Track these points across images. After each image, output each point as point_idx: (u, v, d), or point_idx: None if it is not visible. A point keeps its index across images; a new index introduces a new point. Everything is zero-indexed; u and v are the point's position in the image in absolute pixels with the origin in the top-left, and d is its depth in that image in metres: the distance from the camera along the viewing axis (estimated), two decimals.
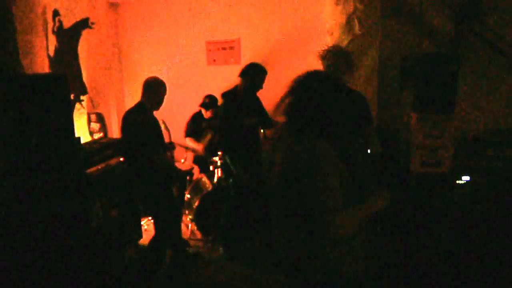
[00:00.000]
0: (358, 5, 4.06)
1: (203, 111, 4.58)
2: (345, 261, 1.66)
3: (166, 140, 3.62)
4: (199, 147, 4.48)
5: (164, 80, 3.42)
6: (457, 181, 3.49)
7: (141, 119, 3.21)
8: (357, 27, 4.11)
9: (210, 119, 4.60)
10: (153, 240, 3.39)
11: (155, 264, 3.39)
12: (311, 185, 1.54)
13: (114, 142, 3.96)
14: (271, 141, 1.85)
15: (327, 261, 1.64)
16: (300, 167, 1.58)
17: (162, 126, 3.66)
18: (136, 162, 3.28)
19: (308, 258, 1.66)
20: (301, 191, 1.57)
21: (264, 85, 3.70)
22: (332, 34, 4.27)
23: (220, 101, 3.97)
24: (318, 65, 3.38)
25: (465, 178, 3.50)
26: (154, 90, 3.30)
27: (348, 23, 4.15)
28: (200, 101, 4.56)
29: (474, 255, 3.20)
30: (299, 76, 1.75)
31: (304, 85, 1.71)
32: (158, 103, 3.35)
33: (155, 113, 3.39)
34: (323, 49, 3.25)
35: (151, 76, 3.40)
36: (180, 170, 4.56)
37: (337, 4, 4.16)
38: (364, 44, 4.11)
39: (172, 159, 3.72)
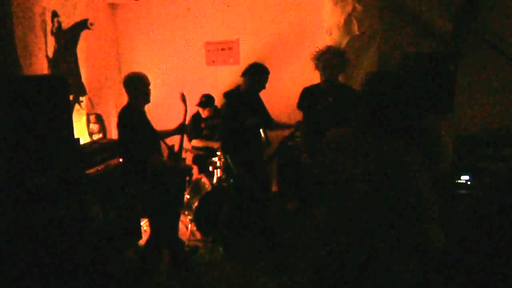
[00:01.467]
0: (357, 5, 4.06)
1: (200, 110, 4.60)
2: (416, 272, 1.66)
3: (181, 119, 3.50)
4: (209, 145, 4.49)
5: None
6: (457, 181, 3.49)
7: (131, 121, 3.14)
8: (356, 27, 4.11)
9: (208, 117, 4.61)
10: (148, 240, 3.39)
11: (151, 264, 3.38)
12: (414, 191, 1.52)
13: (114, 143, 3.97)
14: (320, 146, 1.80)
15: (407, 271, 1.62)
16: (402, 172, 1.55)
17: (180, 100, 3.51)
18: (132, 161, 3.26)
19: (389, 265, 1.62)
20: (399, 197, 1.54)
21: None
22: (331, 34, 4.28)
23: (220, 100, 3.97)
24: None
25: (465, 177, 3.50)
26: (135, 86, 3.18)
27: (347, 23, 4.15)
28: (197, 100, 4.57)
29: (474, 254, 3.20)
30: (374, 78, 1.72)
31: (385, 87, 1.66)
32: (145, 97, 3.25)
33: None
34: (317, 51, 3.26)
35: (128, 73, 3.27)
36: (178, 170, 4.55)
37: (336, 4, 4.16)
38: (363, 43, 4.11)
39: (180, 148, 3.54)
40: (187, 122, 4.68)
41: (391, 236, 1.60)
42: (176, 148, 3.45)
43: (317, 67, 3.26)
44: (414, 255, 1.61)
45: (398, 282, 1.63)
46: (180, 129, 3.52)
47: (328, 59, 3.17)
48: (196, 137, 4.63)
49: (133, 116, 3.16)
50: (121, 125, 3.20)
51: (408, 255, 1.61)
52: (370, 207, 1.64)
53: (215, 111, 4.61)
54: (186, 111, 3.55)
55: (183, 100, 3.53)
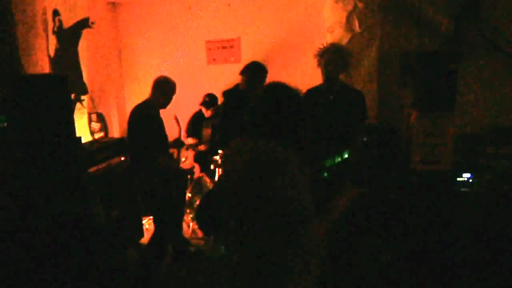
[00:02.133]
0: (358, 3, 4.06)
1: (203, 110, 4.59)
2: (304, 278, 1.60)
3: (176, 135, 3.66)
4: (200, 146, 4.50)
5: (175, 85, 3.49)
6: (457, 179, 3.49)
7: (148, 116, 3.25)
8: (357, 25, 4.11)
9: (211, 117, 4.61)
10: (152, 239, 3.40)
11: (155, 262, 3.40)
12: (280, 191, 1.52)
13: (115, 141, 3.97)
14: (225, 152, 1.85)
15: (289, 274, 1.58)
16: (268, 172, 1.55)
17: (174, 121, 3.71)
18: (139, 159, 3.30)
19: (268, 269, 1.59)
20: (268, 198, 1.53)
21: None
22: (332, 32, 4.27)
23: (221, 99, 3.97)
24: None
25: (466, 175, 3.50)
26: (164, 89, 3.39)
27: (348, 21, 4.14)
28: (200, 100, 4.57)
29: (474, 253, 3.20)
30: (264, 87, 1.82)
31: (268, 94, 1.76)
32: (166, 102, 3.43)
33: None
34: (320, 47, 3.26)
35: (162, 76, 3.49)
36: (180, 169, 4.59)
37: (337, 2, 4.16)
38: (364, 42, 4.11)
39: (178, 158, 3.74)
40: (187, 121, 4.72)
41: (265, 238, 1.59)
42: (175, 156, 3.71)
43: (319, 64, 3.26)
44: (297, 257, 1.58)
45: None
46: (175, 144, 3.73)
47: (331, 56, 3.17)
48: (192, 136, 4.63)
49: (150, 111, 3.27)
50: (136, 118, 3.26)
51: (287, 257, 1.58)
52: (245, 207, 1.64)
53: (217, 110, 4.61)
54: (180, 130, 3.79)
55: (177, 121, 3.79)
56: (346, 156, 3.17)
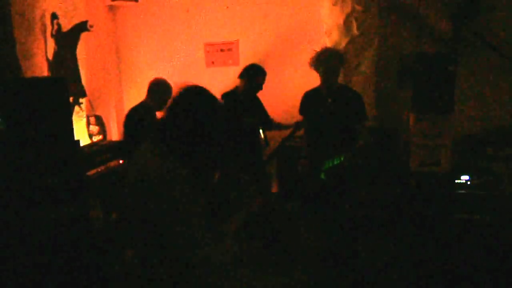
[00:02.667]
0: (356, 5, 4.07)
1: None
2: None
3: None
4: None
5: (171, 87, 3.47)
6: (456, 181, 3.49)
7: (142, 118, 3.24)
8: (355, 27, 4.12)
9: None
10: None
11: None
12: (168, 207, 1.42)
13: (114, 144, 3.97)
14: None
15: None
16: (155, 186, 1.45)
17: None
18: None
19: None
20: (156, 215, 1.44)
21: (263, 86, 3.71)
22: (330, 35, 4.28)
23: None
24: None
25: (464, 177, 3.50)
26: (159, 91, 3.37)
27: (346, 23, 4.16)
28: None
29: (473, 254, 3.20)
30: (177, 92, 1.66)
31: (176, 102, 1.62)
32: (162, 104, 3.38)
33: None
34: (316, 52, 3.27)
35: (157, 77, 3.47)
36: None
37: (335, 4, 4.17)
38: (363, 44, 4.12)
39: None
40: None
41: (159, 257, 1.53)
42: None
43: (316, 68, 3.26)
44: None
45: None
46: None
47: (327, 62, 3.17)
48: None
49: (146, 113, 3.25)
50: (131, 120, 3.26)
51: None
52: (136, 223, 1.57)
53: None
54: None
55: None
56: (348, 158, 3.16)
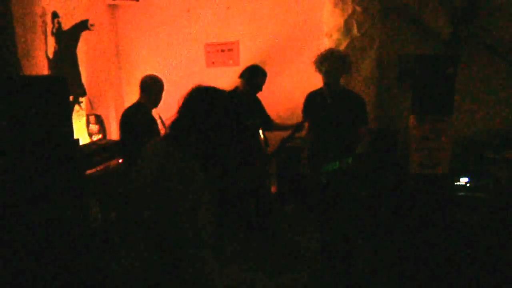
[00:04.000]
0: (356, 7, 4.08)
1: None
2: None
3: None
4: None
5: (163, 82, 3.43)
6: (456, 183, 3.50)
7: (139, 118, 3.23)
8: (355, 29, 4.12)
9: None
10: None
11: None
12: (173, 204, 1.47)
13: (113, 143, 3.97)
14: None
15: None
16: (168, 180, 1.50)
17: (159, 121, 3.65)
18: (132, 161, 3.28)
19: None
20: (165, 208, 1.49)
21: (263, 87, 3.71)
22: (330, 36, 4.29)
23: None
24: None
25: (464, 179, 3.50)
26: (151, 88, 3.33)
27: (347, 25, 4.16)
28: None
29: (472, 256, 3.21)
30: (192, 91, 1.74)
31: (188, 100, 1.70)
32: (156, 101, 3.38)
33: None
34: (320, 53, 3.26)
35: (146, 75, 3.42)
36: None
37: (335, 6, 4.18)
38: (363, 46, 4.12)
39: None
40: None
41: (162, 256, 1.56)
42: None
43: (319, 69, 3.26)
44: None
45: None
46: None
47: (331, 63, 3.16)
48: None
49: (138, 115, 3.23)
50: (126, 122, 3.24)
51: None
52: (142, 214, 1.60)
53: None
54: (166, 130, 3.64)
55: (162, 121, 3.68)
56: (349, 161, 3.16)
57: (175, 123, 1.66)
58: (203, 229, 1.52)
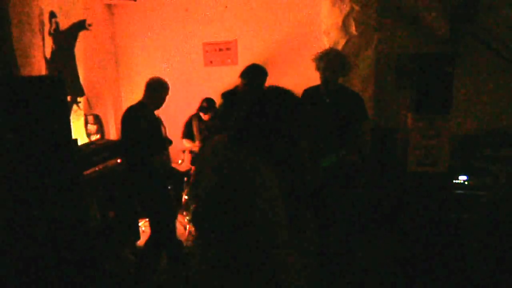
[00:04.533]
0: (354, 5, 4.07)
1: (201, 114, 4.58)
2: None
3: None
4: (195, 147, 4.49)
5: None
6: (454, 181, 3.50)
7: (141, 118, 3.24)
8: (353, 27, 4.12)
9: (210, 119, 4.60)
10: (149, 241, 3.39)
11: (151, 264, 3.39)
12: (252, 208, 1.39)
13: (112, 143, 3.97)
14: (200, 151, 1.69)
15: None
16: (235, 179, 1.44)
17: None
18: (134, 161, 3.29)
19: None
20: (240, 214, 1.42)
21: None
22: (328, 34, 4.29)
23: (219, 100, 3.97)
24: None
25: (462, 177, 3.51)
26: (157, 90, 3.38)
27: (345, 23, 4.16)
28: (198, 104, 4.55)
29: (471, 254, 3.21)
30: (258, 92, 1.67)
31: (261, 100, 1.61)
32: (159, 103, 3.42)
33: None
34: (318, 52, 3.27)
35: (154, 76, 3.47)
36: (176, 171, 4.57)
37: (333, 4, 4.17)
38: (361, 44, 4.12)
39: (168, 156, 3.72)
40: (184, 123, 4.72)
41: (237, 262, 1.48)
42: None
43: (318, 68, 3.26)
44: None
45: None
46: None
47: (330, 61, 3.17)
48: (188, 137, 4.63)
49: (144, 113, 3.25)
50: (128, 120, 3.26)
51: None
52: (212, 218, 1.54)
53: (215, 112, 4.59)
54: (165, 130, 3.70)
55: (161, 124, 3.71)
56: (343, 152, 3.15)
57: (245, 123, 1.59)
58: (281, 228, 1.45)
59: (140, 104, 3.35)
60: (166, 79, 3.48)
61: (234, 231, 1.45)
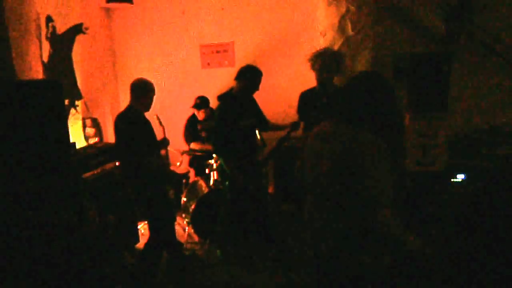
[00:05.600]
0: (350, 6, 4.09)
1: (195, 112, 4.60)
2: (379, 256, 1.83)
3: (161, 135, 3.60)
4: (207, 148, 4.49)
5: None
6: (452, 180, 3.51)
7: (131, 123, 3.22)
8: (350, 28, 4.14)
9: (204, 120, 4.61)
10: (148, 243, 3.39)
11: (151, 267, 3.39)
12: (369, 176, 1.69)
13: (110, 147, 3.96)
14: (304, 138, 2.09)
15: (364, 254, 1.80)
16: (362, 157, 1.71)
17: (156, 122, 3.64)
18: (130, 165, 3.28)
19: (348, 248, 1.81)
20: (356, 182, 1.71)
21: (259, 87, 3.71)
22: (325, 35, 4.30)
23: (215, 102, 3.97)
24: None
25: (460, 176, 3.51)
26: (142, 91, 3.31)
27: (341, 24, 4.17)
28: (192, 102, 4.57)
29: (469, 253, 3.22)
30: (355, 76, 1.91)
31: (365, 83, 1.84)
32: (148, 104, 3.36)
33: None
34: (314, 52, 3.28)
35: (137, 78, 3.40)
36: (173, 172, 4.57)
37: (329, 5, 4.19)
38: (357, 44, 4.14)
39: (166, 157, 3.71)
40: (183, 125, 4.72)
41: (347, 218, 1.81)
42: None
43: (313, 67, 3.27)
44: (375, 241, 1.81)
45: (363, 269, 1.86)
46: (162, 144, 3.60)
47: (325, 61, 3.18)
48: (194, 140, 4.63)
49: (131, 118, 3.22)
50: (118, 127, 3.24)
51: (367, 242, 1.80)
52: (331, 190, 1.82)
53: (211, 113, 4.61)
54: (164, 130, 3.67)
55: (159, 121, 3.70)
56: None
57: (350, 106, 1.84)
58: (388, 193, 1.75)
59: (129, 108, 3.31)
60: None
61: (354, 196, 1.75)
